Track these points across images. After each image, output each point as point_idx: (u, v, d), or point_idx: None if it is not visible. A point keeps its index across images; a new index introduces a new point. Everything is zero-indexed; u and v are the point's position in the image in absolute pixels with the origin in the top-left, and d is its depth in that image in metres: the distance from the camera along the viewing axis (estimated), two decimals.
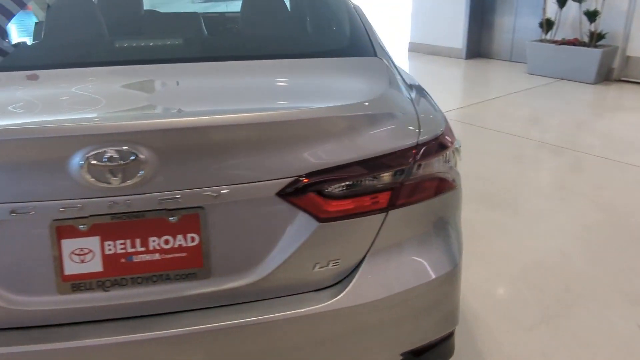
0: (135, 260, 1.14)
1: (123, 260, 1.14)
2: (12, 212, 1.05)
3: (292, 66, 1.48)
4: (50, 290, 1.12)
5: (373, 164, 1.19)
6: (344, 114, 1.17)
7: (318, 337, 1.23)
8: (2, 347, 1.09)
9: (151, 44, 1.60)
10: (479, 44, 7.98)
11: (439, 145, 1.29)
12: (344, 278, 1.25)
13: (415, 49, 8.66)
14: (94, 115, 1.13)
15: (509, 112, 5.14)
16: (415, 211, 1.29)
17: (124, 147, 1.04)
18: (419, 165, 1.25)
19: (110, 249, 1.13)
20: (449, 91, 6.10)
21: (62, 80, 1.35)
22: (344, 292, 1.22)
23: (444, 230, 1.37)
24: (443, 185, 1.33)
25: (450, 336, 1.44)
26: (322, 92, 1.31)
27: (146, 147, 1.05)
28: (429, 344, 1.37)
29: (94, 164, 1.03)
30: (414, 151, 1.23)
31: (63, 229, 1.10)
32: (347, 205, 1.20)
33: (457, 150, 1.39)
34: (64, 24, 1.70)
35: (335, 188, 1.18)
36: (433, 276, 1.31)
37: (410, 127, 1.25)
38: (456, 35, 7.95)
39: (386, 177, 1.22)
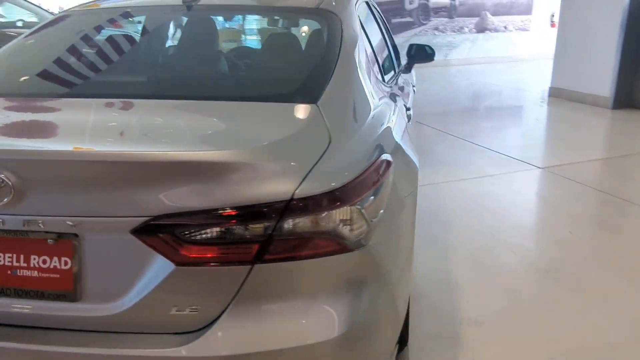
0: (19, 274, 1.26)
1: (9, 272, 1.26)
2: None
3: (207, 109, 1.52)
4: None
5: (236, 214, 1.16)
6: (203, 159, 1.17)
7: None
8: None
9: (101, 79, 1.78)
10: (631, 93, 7.00)
11: (326, 201, 1.21)
12: (207, 326, 1.22)
13: (557, 94, 7.93)
14: None
15: (633, 174, 4.43)
16: (293, 269, 1.21)
17: None
18: (295, 222, 1.18)
19: None
20: (574, 143, 5.46)
21: None
22: (196, 340, 1.19)
23: (339, 294, 1.26)
24: (332, 246, 1.23)
25: None
26: (207, 137, 1.32)
27: (12, 173, 1.17)
28: None
29: None
30: (285, 205, 1.17)
31: None
32: (205, 252, 1.18)
33: (360, 211, 1.26)
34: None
35: (194, 233, 1.17)
36: (310, 341, 1.21)
37: (288, 179, 1.19)
38: (603, 81, 7.09)
39: (252, 229, 1.18)
